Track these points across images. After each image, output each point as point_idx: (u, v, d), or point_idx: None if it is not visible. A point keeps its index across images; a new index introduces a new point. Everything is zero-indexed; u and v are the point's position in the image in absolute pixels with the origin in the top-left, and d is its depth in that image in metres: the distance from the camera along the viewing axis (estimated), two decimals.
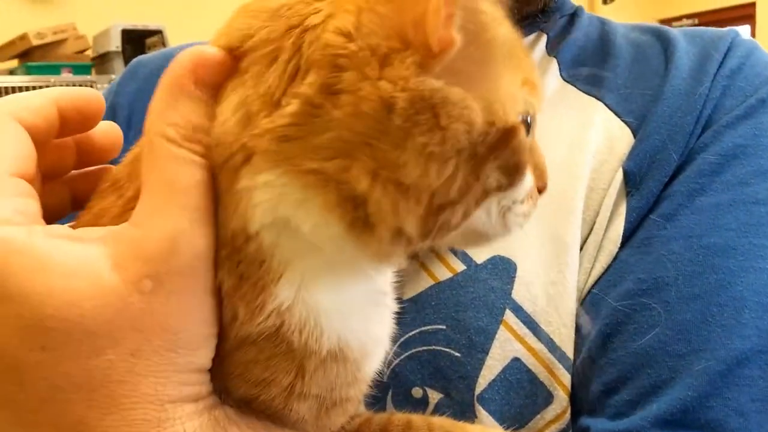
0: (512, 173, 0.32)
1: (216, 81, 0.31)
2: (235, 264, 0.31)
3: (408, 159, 0.29)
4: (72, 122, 0.36)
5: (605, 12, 6.15)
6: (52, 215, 0.33)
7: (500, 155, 0.31)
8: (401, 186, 0.29)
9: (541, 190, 0.37)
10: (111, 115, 0.64)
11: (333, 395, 0.35)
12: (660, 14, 6.78)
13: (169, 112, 0.31)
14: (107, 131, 0.38)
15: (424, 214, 0.30)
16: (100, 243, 0.30)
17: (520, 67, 0.33)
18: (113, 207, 0.34)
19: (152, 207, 0.30)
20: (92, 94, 0.36)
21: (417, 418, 0.40)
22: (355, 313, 0.34)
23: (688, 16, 6.62)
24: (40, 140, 0.34)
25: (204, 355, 0.31)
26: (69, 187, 0.39)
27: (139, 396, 0.29)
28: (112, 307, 0.29)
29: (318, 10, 0.30)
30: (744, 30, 6.22)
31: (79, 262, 0.29)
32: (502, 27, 0.32)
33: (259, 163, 0.30)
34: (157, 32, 3.50)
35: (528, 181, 0.34)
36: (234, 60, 0.31)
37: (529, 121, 0.33)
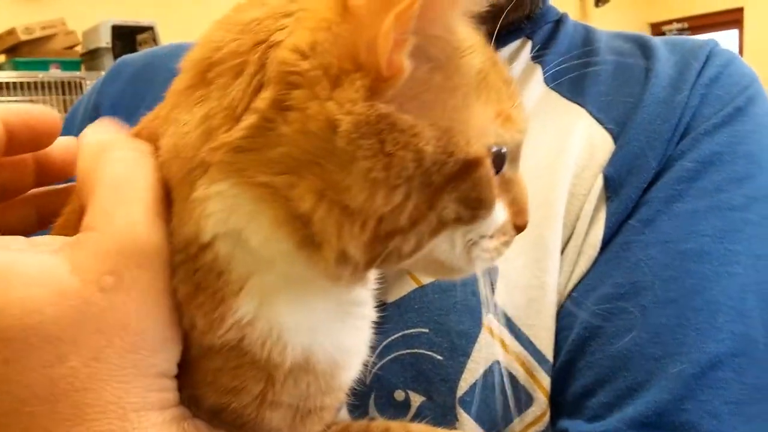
0: (474, 207, 0.31)
1: None
2: (192, 272, 0.31)
3: (353, 183, 0.28)
4: (23, 140, 0.36)
5: (597, 14, 6.18)
6: (17, 233, 0.32)
7: (459, 187, 0.30)
8: (347, 209, 0.29)
9: (519, 229, 0.36)
10: (94, 114, 0.64)
11: (307, 404, 0.34)
12: (650, 18, 6.84)
13: None
14: (67, 147, 0.38)
15: (370, 240, 0.29)
16: (57, 252, 0.30)
17: (494, 98, 0.32)
18: (71, 218, 0.34)
19: (103, 208, 0.30)
20: (45, 111, 0.36)
21: (395, 425, 0.41)
22: (321, 327, 0.34)
23: (678, 20, 6.68)
24: None
25: (165, 359, 0.31)
26: (33, 204, 0.39)
27: (102, 405, 0.29)
28: (74, 309, 0.29)
29: (284, 27, 0.30)
30: (732, 35, 6.28)
31: (37, 271, 0.29)
32: (474, 56, 0.31)
33: (213, 173, 0.29)
34: (148, 28, 3.49)
35: (498, 216, 0.33)
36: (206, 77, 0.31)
37: (503, 154, 0.33)
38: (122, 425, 0.29)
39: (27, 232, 0.34)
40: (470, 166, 0.30)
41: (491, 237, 0.33)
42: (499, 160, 0.32)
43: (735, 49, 6.15)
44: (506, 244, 0.35)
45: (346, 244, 0.29)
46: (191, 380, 0.32)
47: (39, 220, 0.39)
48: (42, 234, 0.35)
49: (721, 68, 0.55)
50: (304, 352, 0.33)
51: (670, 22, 6.73)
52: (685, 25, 6.63)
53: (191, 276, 0.31)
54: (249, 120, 0.29)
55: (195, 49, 0.32)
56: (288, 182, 0.29)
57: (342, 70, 0.28)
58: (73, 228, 0.32)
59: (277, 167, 0.29)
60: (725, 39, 6.40)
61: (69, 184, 0.40)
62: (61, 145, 0.38)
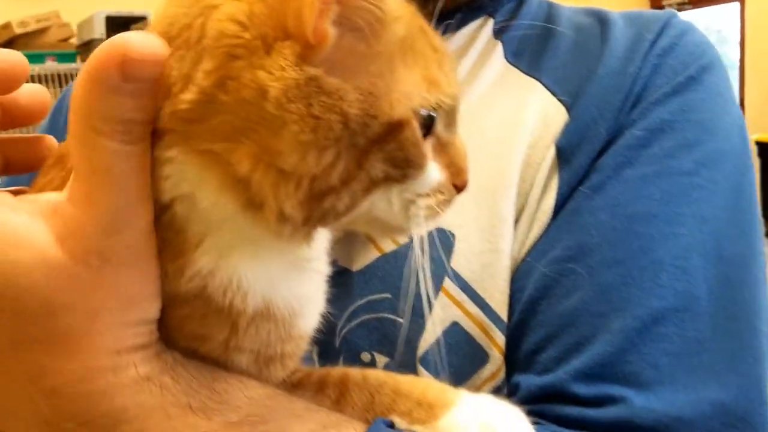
0: (402, 166, 0.33)
1: (147, 74, 0.31)
2: (159, 228, 0.34)
3: (285, 146, 0.30)
4: None
5: None
6: None
7: (385, 147, 0.32)
8: (281, 171, 0.31)
9: (459, 189, 0.38)
10: None
11: (269, 351, 0.38)
12: None
13: (98, 104, 0.31)
14: (33, 93, 0.40)
15: (305, 199, 0.32)
16: (39, 216, 0.32)
17: (420, 63, 0.34)
18: (56, 179, 0.37)
19: (88, 191, 0.32)
20: (12, 54, 0.37)
21: (354, 371, 0.43)
22: (277, 277, 0.37)
23: (680, 2, 6.61)
24: None
25: (152, 310, 0.34)
26: (1, 150, 0.41)
27: (95, 347, 0.32)
28: (62, 279, 0.31)
29: None
30: (734, 8, 6.22)
31: (22, 233, 0.32)
32: (398, 25, 0.33)
33: (167, 140, 0.32)
34: (142, 18, 3.49)
35: (433, 175, 0.35)
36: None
37: (432, 117, 0.35)
38: (113, 362, 0.33)
39: None
40: (394, 127, 0.32)
41: (427, 196, 0.36)
42: (428, 123, 0.34)
43: (737, 23, 6.12)
44: (445, 203, 0.37)
45: (282, 204, 0.32)
46: (164, 324, 0.35)
47: (6, 166, 0.41)
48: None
49: (675, 39, 0.57)
50: (264, 300, 0.36)
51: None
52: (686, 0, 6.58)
53: (159, 231, 0.33)
54: (192, 91, 0.31)
55: (152, 27, 0.34)
56: (228, 148, 0.31)
57: (274, 39, 0.30)
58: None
59: (218, 135, 0.31)
60: (727, 12, 6.34)
61: (37, 135, 0.42)
62: (27, 90, 0.40)
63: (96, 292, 0.32)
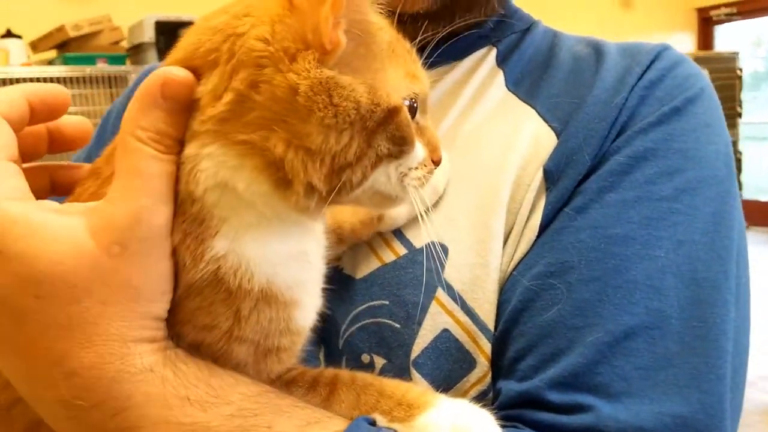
0: (400, 143, 0.42)
1: (180, 95, 0.40)
2: (181, 223, 0.40)
3: (312, 130, 0.39)
4: (41, 112, 0.45)
5: (640, 1, 6.05)
6: (34, 194, 0.42)
7: (387, 128, 0.41)
8: (309, 151, 0.39)
9: (436, 163, 0.46)
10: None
11: (267, 342, 0.43)
12: (697, 2, 6.65)
13: (140, 117, 0.40)
14: (76, 123, 0.48)
15: (328, 173, 0.40)
16: (80, 215, 0.39)
17: (401, 62, 0.44)
18: (91, 187, 0.44)
19: (122, 188, 0.40)
20: (57, 88, 0.46)
21: (344, 372, 0.48)
22: (279, 263, 0.43)
23: (726, 5, 6.48)
24: (15, 128, 0.43)
25: (160, 308, 0.40)
26: (48, 173, 0.48)
27: (107, 335, 0.39)
28: (87, 266, 0.38)
29: (245, 23, 0.40)
30: None
31: (63, 230, 0.39)
32: (384, 33, 0.43)
33: (203, 139, 0.40)
34: (190, 23, 3.55)
35: (419, 152, 0.44)
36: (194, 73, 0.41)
37: (415, 105, 0.44)
38: (122, 350, 0.39)
39: (40, 196, 0.43)
40: (393, 112, 0.41)
41: (416, 168, 0.44)
42: (413, 110, 0.43)
43: None
44: (430, 173, 0.46)
45: (311, 177, 0.40)
46: (175, 319, 0.42)
47: (52, 188, 0.49)
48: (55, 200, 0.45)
49: (664, 71, 0.60)
50: (268, 282, 0.42)
51: (717, 6, 6.53)
52: (734, 9, 6.43)
53: (181, 226, 0.41)
54: (228, 96, 0.39)
55: (176, 53, 0.42)
56: (263, 136, 0.39)
57: (297, 49, 0.39)
58: (85, 199, 0.43)
59: (254, 127, 0.39)
60: None
61: (78, 163, 0.50)
62: (71, 120, 0.48)
63: (111, 281, 0.39)
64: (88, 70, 3.28)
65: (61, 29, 3.46)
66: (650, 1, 6.10)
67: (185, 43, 0.42)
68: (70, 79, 3.27)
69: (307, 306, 0.46)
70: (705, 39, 6.72)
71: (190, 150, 0.40)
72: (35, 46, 3.54)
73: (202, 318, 0.42)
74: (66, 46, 3.49)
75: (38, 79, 3.09)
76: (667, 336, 0.50)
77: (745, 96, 5.42)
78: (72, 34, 3.46)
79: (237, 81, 0.39)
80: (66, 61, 3.38)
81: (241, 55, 0.39)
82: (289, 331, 0.45)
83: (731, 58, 5.36)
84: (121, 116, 0.75)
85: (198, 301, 0.41)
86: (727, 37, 6.75)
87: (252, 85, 0.39)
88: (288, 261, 0.44)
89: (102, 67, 3.41)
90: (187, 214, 0.41)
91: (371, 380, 0.48)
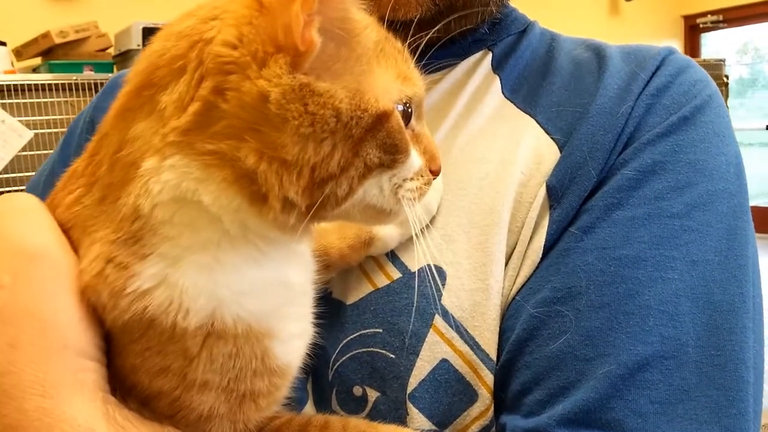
0: (392, 152, 0.38)
1: None
2: (107, 243, 0.36)
3: (287, 139, 0.35)
4: None
5: (628, 8, 6.07)
6: None
7: (377, 136, 0.37)
8: (284, 162, 0.35)
9: (434, 173, 0.42)
10: (90, 128, 0.69)
11: (239, 386, 0.38)
12: (683, 10, 6.68)
13: None
14: None
15: (308, 186, 0.36)
16: None
17: (392, 63, 0.40)
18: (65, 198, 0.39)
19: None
20: None
21: (334, 419, 0.44)
22: (246, 289, 0.38)
23: (713, 12, 6.51)
24: None
25: (77, 338, 0.34)
26: None
27: (24, 386, 0.33)
28: None
29: (213, 27, 0.36)
30: None
31: None
32: (370, 32, 0.39)
33: (165, 152, 0.36)
34: None
35: (415, 161, 0.40)
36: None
37: (409, 109, 0.40)
38: (46, 404, 0.33)
39: None
40: (382, 117, 0.37)
41: (412, 179, 0.40)
42: (406, 115, 0.39)
43: None
44: (427, 184, 0.42)
45: (287, 191, 0.35)
46: (125, 369, 0.36)
47: None
48: None
49: (671, 77, 0.56)
50: (218, 313, 0.37)
51: (704, 14, 6.56)
52: (720, 17, 6.47)
53: (105, 247, 0.36)
54: (194, 106, 0.35)
55: (140, 62, 0.38)
56: (233, 146, 0.35)
57: (266, 53, 0.35)
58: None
59: (222, 136, 0.35)
60: (764, 30, 6.22)
61: None
62: None
63: (12, 312, 0.34)
64: (74, 77, 3.23)
65: (46, 36, 3.41)
66: (638, 8, 6.11)
67: (150, 51, 0.38)
68: (56, 86, 3.22)
69: (289, 338, 0.41)
70: (692, 46, 6.75)
71: (148, 164, 0.36)
72: (20, 53, 3.49)
73: (155, 361, 0.37)
74: (51, 53, 3.45)
75: (23, 87, 3.05)
76: (684, 366, 0.46)
77: (731, 103, 5.43)
78: (57, 40, 3.42)
79: (203, 89, 0.35)
80: (51, 69, 3.34)
81: (208, 62, 0.35)
82: (267, 370, 0.39)
83: (718, 65, 5.36)
84: (88, 125, 0.72)
85: (144, 342, 0.36)
86: (714, 44, 6.79)
87: (218, 92, 0.35)
88: (260, 287, 0.39)
89: (88, 75, 3.36)
90: (120, 233, 0.36)
91: (364, 427, 0.44)
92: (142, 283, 0.35)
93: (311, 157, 0.35)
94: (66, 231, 0.38)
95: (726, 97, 5.37)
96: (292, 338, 0.41)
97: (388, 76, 0.39)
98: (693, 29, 6.73)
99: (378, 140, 0.37)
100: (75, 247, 0.38)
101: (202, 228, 0.36)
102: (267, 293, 0.40)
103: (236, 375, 0.38)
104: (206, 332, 0.37)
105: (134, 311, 0.35)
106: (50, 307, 0.35)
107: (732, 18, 6.38)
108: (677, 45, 6.70)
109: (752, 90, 6.96)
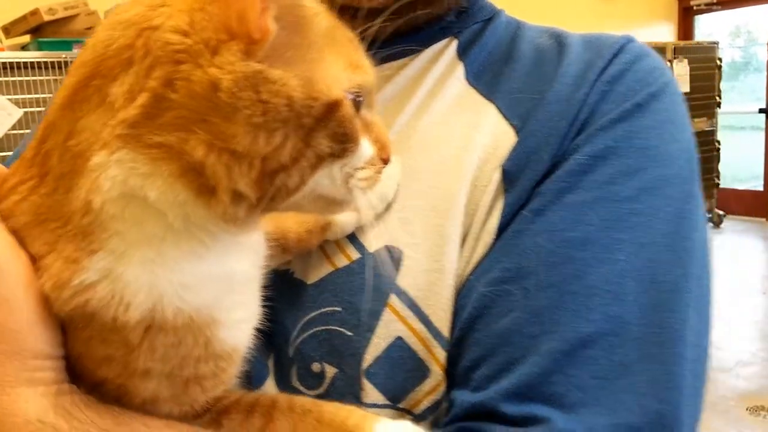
0: (343, 141, 0.38)
1: None
2: (55, 238, 0.36)
3: (237, 129, 0.35)
4: None
5: None
6: None
7: (328, 125, 0.37)
8: (234, 153, 0.35)
9: (385, 162, 0.43)
10: None
11: (183, 372, 0.39)
12: None
13: None
14: None
15: (258, 177, 0.36)
16: None
17: (342, 51, 0.39)
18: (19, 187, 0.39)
19: None
20: None
21: (282, 398, 0.46)
22: (190, 282, 0.38)
23: (708, 3, 6.48)
24: None
25: (36, 341, 0.36)
26: None
27: None
28: None
29: (161, 14, 0.36)
30: (764, 9, 6.09)
31: None
32: (321, 19, 0.38)
33: (112, 145, 0.35)
34: None
35: (366, 150, 0.40)
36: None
37: (359, 98, 0.39)
38: (2, 399, 0.34)
39: None
40: (333, 106, 0.37)
41: (363, 168, 0.40)
42: (357, 103, 0.39)
43: (767, 24, 5.97)
44: (378, 172, 0.42)
45: (236, 183, 0.35)
46: (73, 356, 0.37)
47: None
48: None
49: (627, 65, 0.57)
50: (151, 309, 0.37)
51: (699, 3, 6.53)
52: (714, 0, 6.45)
53: (55, 241, 0.36)
54: (143, 97, 0.35)
55: (85, 52, 0.38)
56: (181, 138, 0.35)
57: (219, 41, 0.34)
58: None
59: (170, 128, 0.35)
60: (757, 13, 6.22)
61: None
62: None
63: None
64: (63, 55, 3.20)
65: (35, 13, 3.38)
66: None
67: (95, 40, 0.37)
68: (45, 64, 3.20)
69: (235, 324, 0.42)
70: (686, 29, 6.74)
71: (97, 158, 0.35)
72: (8, 30, 3.46)
73: (98, 349, 0.37)
74: (40, 31, 3.42)
75: (12, 65, 3.03)
76: (626, 343, 0.48)
77: (723, 86, 5.43)
78: (46, 18, 3.39)
79: (152, 80, 0.35)
80: (40, 47, 3.31)
81: (157, 51, 0.35)
82: (212, 355, 0.40)
83: (711, 48, 5.36)
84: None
85: (89, 331, 0.37)
86: (707, 27, 6.77)
87: (167, 83, 0.34)
88: (203, 279, 0.39)
89: (78, 53, 3.32)
90: (69, 227, 0.36)
91: (310, 406, 0.45)
92: (87, 277, 0.36)
93: (262, 147, 0.35)
94: (20, 225, 0.38)
95: (719, 80, 5.38)
96: (238, 323, 0.42)
97: (338, 64, 0.39)
98: (687, 11, 6.71)
99: (329, 130, 0.37)
100: (29, 241, 0.38)
101: (148, 223, 0.36)
102: (209, 285, 0.40)
103: (179, 363, 0.39)
104: (146, 325, 0.37)
105: (76, 304, 0.36)
106: (4, 312, 0.35)
107: (726, 0, 6.36)
108: (671, 27, 6.68)
109: (744, 73, 6.97)
